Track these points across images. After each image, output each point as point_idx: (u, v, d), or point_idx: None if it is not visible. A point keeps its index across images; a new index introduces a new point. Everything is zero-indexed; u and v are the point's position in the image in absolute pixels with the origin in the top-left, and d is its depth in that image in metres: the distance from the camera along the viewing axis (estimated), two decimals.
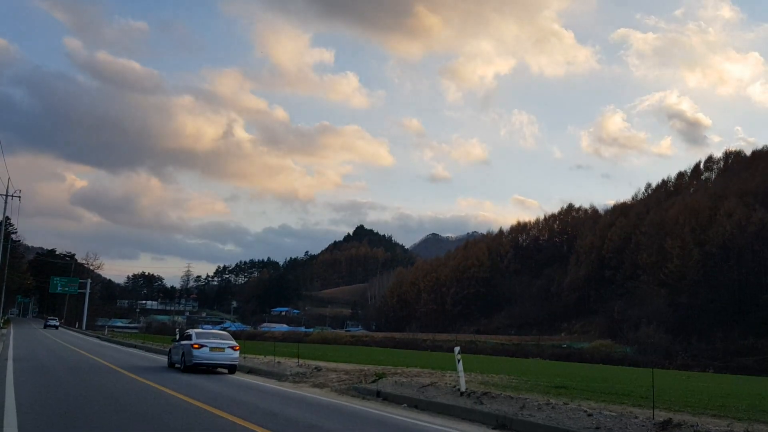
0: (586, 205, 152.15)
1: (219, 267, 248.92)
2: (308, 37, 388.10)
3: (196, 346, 21.75)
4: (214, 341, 22.37)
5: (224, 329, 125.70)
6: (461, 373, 13.15)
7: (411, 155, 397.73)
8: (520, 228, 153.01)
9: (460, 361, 13.22)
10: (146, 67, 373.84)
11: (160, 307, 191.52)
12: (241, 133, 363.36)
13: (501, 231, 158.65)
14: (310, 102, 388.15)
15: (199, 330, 25.28)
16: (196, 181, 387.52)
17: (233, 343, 22.68)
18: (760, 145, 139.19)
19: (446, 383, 15.09)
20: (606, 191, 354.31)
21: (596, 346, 76.84)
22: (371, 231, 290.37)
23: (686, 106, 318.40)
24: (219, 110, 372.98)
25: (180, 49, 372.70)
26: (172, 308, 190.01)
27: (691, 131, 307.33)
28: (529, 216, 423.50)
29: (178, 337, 25.31)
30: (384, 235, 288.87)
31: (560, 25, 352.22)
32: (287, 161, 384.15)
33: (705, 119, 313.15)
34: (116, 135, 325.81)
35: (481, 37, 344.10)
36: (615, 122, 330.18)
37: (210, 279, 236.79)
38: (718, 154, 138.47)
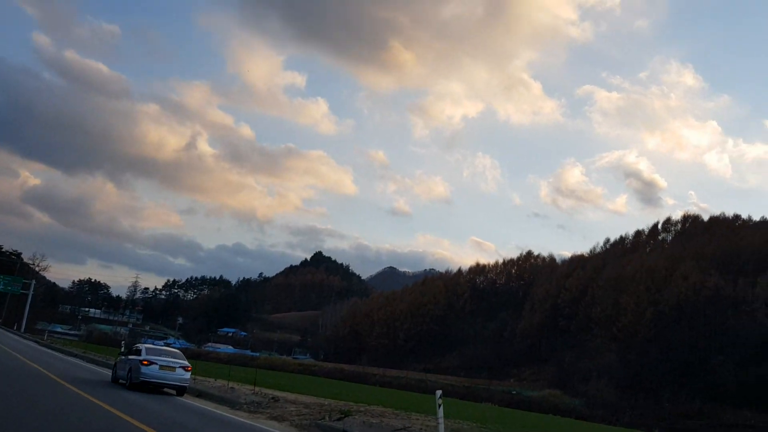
0: (540, 253, 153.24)
1: (168, 280, 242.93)
2: (282, 59, 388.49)
3: (146, 362, 20.25)
4: (165, 359, 20.88)
5: (167, 345, 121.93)
6: (441, 420, 12.15)
7: (374, 186, 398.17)
8: (479, 269, 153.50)
9: (441, 407, 12.21)
10: (114, 71, 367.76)
11: (103, 316, 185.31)
12: (204, 146, 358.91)
13: (460, 270, 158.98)
14: (277, 123, 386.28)
15: (150, 345, 23.73)
16: (153, 191, 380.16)
17: (185, 363, 21.22)
18: (712, 212, 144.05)
19: (420, 428, 14.10)
20: (560, 242, 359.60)
21: (545, 395, 76.45)
22: (329, 258, 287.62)
23: (644, 167, 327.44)
24: (184, 122, 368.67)
25: (150, 56, 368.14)
26: (116, 318, 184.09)
27: (647, 191, 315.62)
28: (484, 258, 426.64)
29: (125, 350, 23.76)
30: (341, 264, 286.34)
31: (529, 75, 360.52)
32: (249, 180, 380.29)
33: (661, 181, 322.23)
34: (76, 136, 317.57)
35: (452, 78, 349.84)
36: (574, 175, 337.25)
37: (158, 292, 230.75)
38: (671, 216, 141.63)
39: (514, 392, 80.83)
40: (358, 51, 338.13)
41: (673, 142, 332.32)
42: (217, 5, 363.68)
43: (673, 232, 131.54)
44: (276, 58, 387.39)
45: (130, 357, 21.44)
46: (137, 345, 23.65)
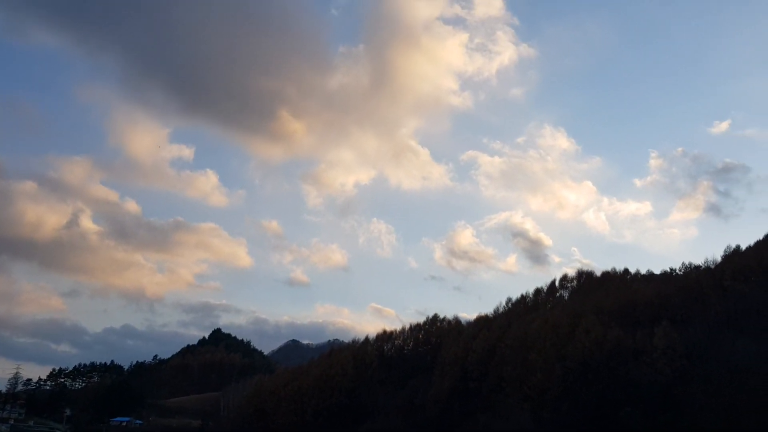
0: (445, 316, 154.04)
1: (54, 369, 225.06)
2: (167, 131, 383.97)
3: None
4: None
5: None
6: None
7: (270, 257, 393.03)
8: (386, 337, 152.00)
9: None
10: None
11: None
12: (88, 224, 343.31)
13: (367, 339, 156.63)
14: (165, 197, 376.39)
15: None
16: (32, 273, 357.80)
17: None
18: (594, 267, 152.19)
19: None
20: (458, 304, 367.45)
21: None
22: (228, 335, 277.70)
23: (529, 226, 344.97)
24: (65, 199, 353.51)
25: (25, 131, 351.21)
26: None
27: (534, 250, 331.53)
28: (385, 325, 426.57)
29: None
30: (242, 340, 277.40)
31: (417, 142, 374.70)
32: (136, 257, 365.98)
33: (546, 239, 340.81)
34: None
35: (342, 147, 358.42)
36: (466, 237, 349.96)
37: (42, 383, 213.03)
38: (567, 273, 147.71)
39: None
40: (247, 121, 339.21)
41: (554, 202, 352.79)
42: (96, 77, 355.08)
43: (570, 288, 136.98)
44: (161, 130, 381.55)
45: None
46: None
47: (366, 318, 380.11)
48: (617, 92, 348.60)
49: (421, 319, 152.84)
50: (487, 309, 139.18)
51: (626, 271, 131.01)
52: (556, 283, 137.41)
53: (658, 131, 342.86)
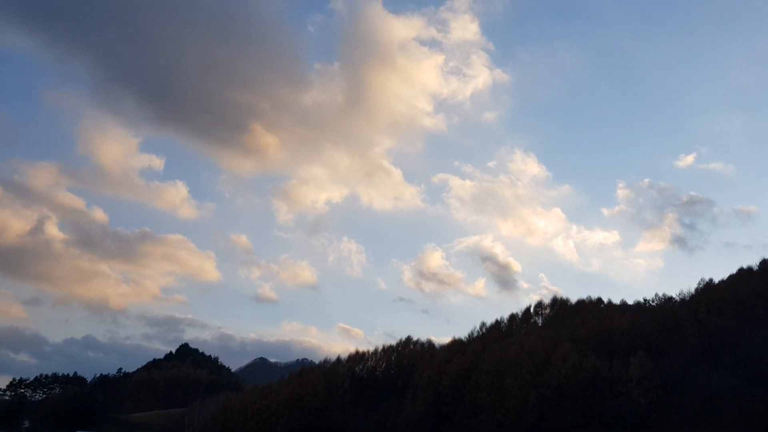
0: (419, 338, 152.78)
1: (14, 379, 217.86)
2: (138, 141, 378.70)
3: None
4: None
5: None
6: None
7: (238, 272, 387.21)
8: (358, 357, 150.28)
9: None
10: None
11: None
12: (53, 231, 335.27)
13: (339, 359, 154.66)
14: (133, 206, 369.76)
15: None
16: None
17: None
18: (562, 295, 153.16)
19: None
20: (425, 326, 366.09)
21: None
22: (196, 350, 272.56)
23: (499, 251, 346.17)
24: (30, 204, 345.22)
25: None
26: None
27: (503, 274, 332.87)
28: (353, 345, 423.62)
29: None
30: (210, 356, 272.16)
31: (389, 162, 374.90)
32: (102, 266, 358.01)
33: (515, 264, 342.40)
34: None
35: (314, 163, 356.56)
36: (435, 259, 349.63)
37: (1, 393, 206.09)
38: (527, 299, 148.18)
39: None
40: (219, 134, 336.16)
41: (524, 228, 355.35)
42: (66, 83, 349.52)
43: (544, 315, 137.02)
44: (132, 139, 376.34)
45: None
46: None
47: (334, 338, 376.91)
48: (587, 122, 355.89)
49: (389, 341, 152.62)
50: (455, 332, 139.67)
51: (599, 300, 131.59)
52: (531, 310, 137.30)
53: (626, 162, 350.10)
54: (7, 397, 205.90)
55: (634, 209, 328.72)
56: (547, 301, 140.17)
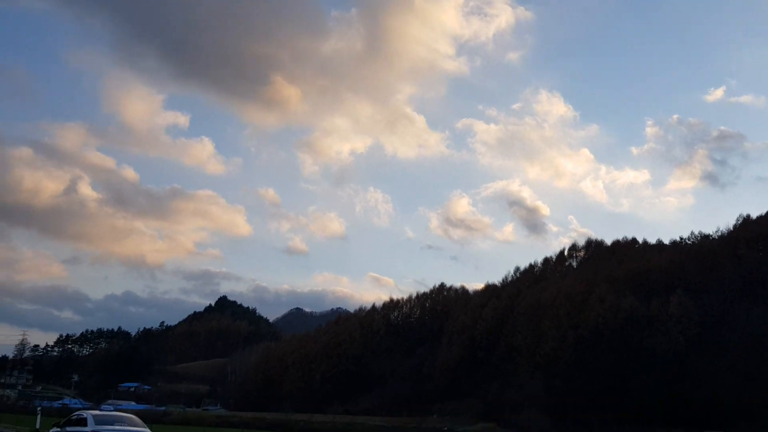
0: (439, 285, 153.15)
1: (61, 336, 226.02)
2: (162, 98, 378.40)
3: None
4: (121, 428, 17.14)
5: (63, 405, 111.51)
6: None
7: (268, 225, 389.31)
8: (393, 305, 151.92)
9: None
10: None
11: None
12: (86, 190, 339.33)
13: (374, 307, 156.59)
14: (162, 164, 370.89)
15: (97, 412, 19.64)
16: (31, 240, 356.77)
17: (147, 431, 17.64)
18: (592, 236, 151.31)
19: None
20: (455, 273, 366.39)
21: (479, 429, 75.13)
22: (234, 303, 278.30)
23: (526, 195, 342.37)
24: (62, 165, 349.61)
25: (17, 97, 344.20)
26: (2, 381, 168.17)
27: (531, 218, 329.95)
28: (384, 294, 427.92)
29: (61, 421, 19.61)
30: (248, 308, 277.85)
31: (412, 109, 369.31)
32: (136, 224, 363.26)
33: (543, 208, 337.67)
34: None
35: (336, 114, 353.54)
36: (462, 206, 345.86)
37: (50, 349, 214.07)
38: (556, 242, 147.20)
39: (446, 429, 78.98)
40: (241, 88, 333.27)
41: (552, 171, 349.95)
42: (88, 42, 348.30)
43: (578, 258, 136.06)
44: (156, 96, 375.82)
45: (70, 429, 17.63)
46: (79, 413, 19.54)
47: (365, 287, 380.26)
48: (613, 58, 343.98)
49: (420, 289, 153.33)
50: (484, 278, 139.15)
51: (634, 240, 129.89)
52: (565, 252, 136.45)
53: (654, 98, 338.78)
54: (55, 353, 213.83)
55: (664, 147, 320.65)
56: (577, 243, 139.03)
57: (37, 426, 19.48)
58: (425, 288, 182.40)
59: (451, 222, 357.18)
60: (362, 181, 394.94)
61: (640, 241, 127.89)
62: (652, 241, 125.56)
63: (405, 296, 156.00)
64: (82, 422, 17.20)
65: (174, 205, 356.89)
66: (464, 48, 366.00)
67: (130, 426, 17.42)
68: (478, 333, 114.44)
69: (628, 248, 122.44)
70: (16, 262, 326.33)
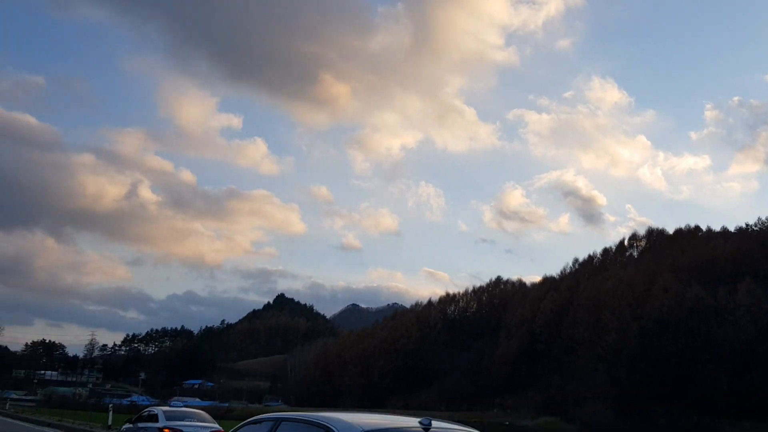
0: (496, 278, 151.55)
1: (128, 335, 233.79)
2: (216, 101, 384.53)
3: (167, 431, 17.02)
4: (191, 424, 17.55)
5: (132, 402, 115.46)
6: None
7: (321, 223, 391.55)
8: (449, 299, 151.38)
9: None
10: (43, 122, 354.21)
11: (60, 378, 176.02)
12: (147, 194, 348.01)
13: (430, 302, 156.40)
14: (217, 166, 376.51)
15: (168, 408, 20.10)
16: (96, 243, 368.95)
17: (216, 426, 18.00)
18: (652, 225, 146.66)
19: None
20: (510, 266, 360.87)
21: (541, 423, 74.14)
22: (292, 300, 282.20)
23: (582, 184, 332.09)
24: (123, 170, 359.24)
25: (78, 105, 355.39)
26: (73, 379, 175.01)
27: (587, 208, 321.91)
28: (439, 288, 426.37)
29: (133, 417, 20.29)
30: (305, 305, 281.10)
31: (462, 101, 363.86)
32: (195, 225, 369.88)
33: (600, 197, 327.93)
34: (10, 192, 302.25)
35: (386, 110, 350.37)
36: (515, 198, 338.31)
37: (117, 348, 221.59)
38: (614, 232, 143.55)
39: (507, 423, 78.24)
40: (290, 87, 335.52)
41: (607, 159, 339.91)
42: (142, 48, 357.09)
43: (639, 247, 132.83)
44: (209, 99, 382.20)
45: (142, 425, 18.15)
46: (150, 409, 20.16)
47: (419, 281, 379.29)
48: (668, 40, 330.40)
49: (475, 282, 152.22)
50: (541, 271, 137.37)
51: (698, 227, 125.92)
52: (625, 242, 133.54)
53: (713, 81, 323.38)
54: (122, 352, 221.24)
55: (725, 130, 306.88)
56: (637, 232, 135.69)
57: (110, 422, 20.07)
58: (480, 282, 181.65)
59: (504, 214, 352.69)
60: (413, 176, 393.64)
61: (704, 228, 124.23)
62: (716, 228, 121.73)
63: (460, 290, 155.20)
64: (154, 418, 17.69)
65: (230, 206, 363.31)
66: (513, 37, 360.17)
67: (200, 422, 17.77)
68: (537, 326, 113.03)
69: (691, 236, 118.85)
70: (82, 265, 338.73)
